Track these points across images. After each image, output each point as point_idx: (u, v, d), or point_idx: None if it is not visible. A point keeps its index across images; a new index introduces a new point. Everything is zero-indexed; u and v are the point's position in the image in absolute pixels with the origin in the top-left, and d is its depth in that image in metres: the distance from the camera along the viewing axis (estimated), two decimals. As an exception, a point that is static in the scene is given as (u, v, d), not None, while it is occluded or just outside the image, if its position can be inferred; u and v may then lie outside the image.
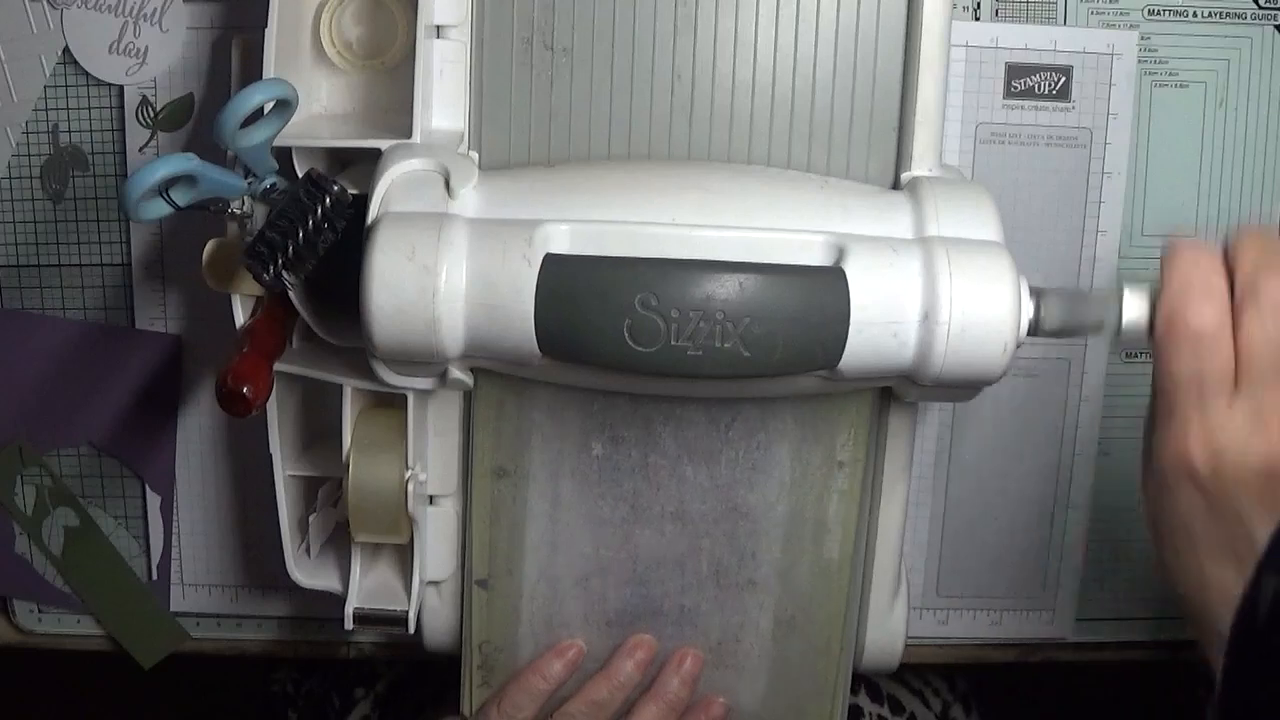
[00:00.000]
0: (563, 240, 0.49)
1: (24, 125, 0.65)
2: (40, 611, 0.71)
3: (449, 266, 0.47)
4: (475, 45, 0.54)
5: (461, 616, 0.60)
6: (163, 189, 0.49)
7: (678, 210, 0.50)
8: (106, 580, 0.69)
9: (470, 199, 0.51)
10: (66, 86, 0.64)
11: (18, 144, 0.65)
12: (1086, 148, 0.64)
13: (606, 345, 0.47)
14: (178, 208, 0.50)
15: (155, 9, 0.62)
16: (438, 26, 0.53)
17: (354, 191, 0.51)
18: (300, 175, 0.52)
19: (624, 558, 0.58)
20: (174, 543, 0.69)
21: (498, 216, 0.50)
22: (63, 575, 0.70)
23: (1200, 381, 0.44)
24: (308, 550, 0.60)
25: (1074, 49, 0.62)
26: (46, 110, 0.64)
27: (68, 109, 0.64)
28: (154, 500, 0.68)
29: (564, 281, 0.47)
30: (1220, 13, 0.63)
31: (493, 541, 0.58)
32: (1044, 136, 0.63)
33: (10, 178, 0.65)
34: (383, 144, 0.52)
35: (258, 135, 0.50)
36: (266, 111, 0.50)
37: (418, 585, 0.58)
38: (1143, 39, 0.63)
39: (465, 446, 0.58)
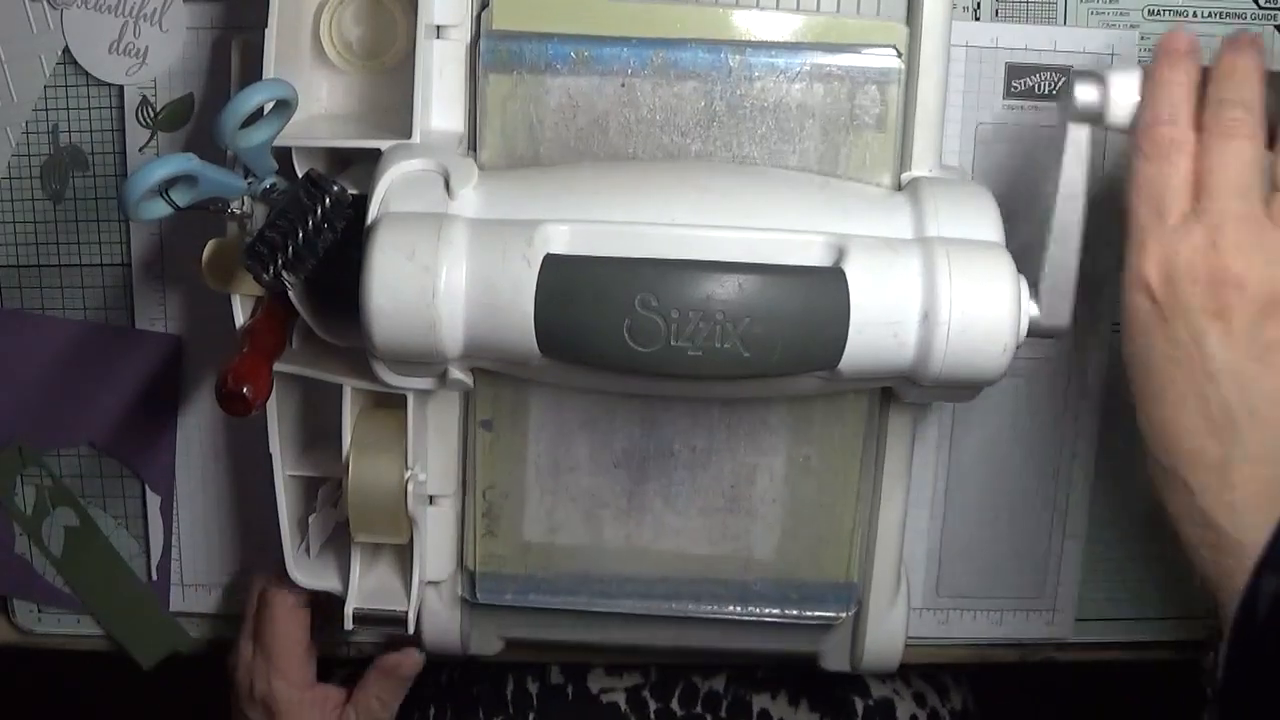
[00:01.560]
0: (562, 240, 0.49)
1: (24, 125, 0.65)
2: (40, 611, 0.71)
3: (449, 267, 0.47)
4: (475, 45, 0.54)
5: (464, 464, 0.59)
6: (163, 189, 0.49)
7: (677, 210, 0.50)
8: (106, 580, 0.69)
9: (470, 199, 0.51)
10: (66, 86, 0.64)
11: (18, 144, 0.65)
12: (1086, 148, 0.64)
13: (606, 345, 0.47)
14: (178, 208, 0.50)
15: (155, 9, 0.62)
16: (438, 26, 0.53)
17: (354, 191, 0.51)
18: (300, 175, 0.52)
19: (633, 395, 0.57)
20: (174, 543, 0.69)
21: (498, 216, 0.50)
22: (63, 575, 0.70)
23: (1161, 193, 0.48)
24: (307, 550, 0.60)
25: (1074, 49, 0.62)
26: (46, 110, 0.64)
27: (68, 109, 0.64)
28: (154, 500, 0.68)
29: (564, 282, 0.47)
30: (1220, 13, 0.63)
31: (496, 380, 0.57)
32: (1044, 136, 0.63)
33: (10, 178, 0.65)
34: (383, 144, 0.52)
35: (258, 135, 0.50)
36: (266, 112, 0.50)
37: (417, 585, 0.58)
38: (1143, 39, 0.63)
39: (464, 446, 0.58)
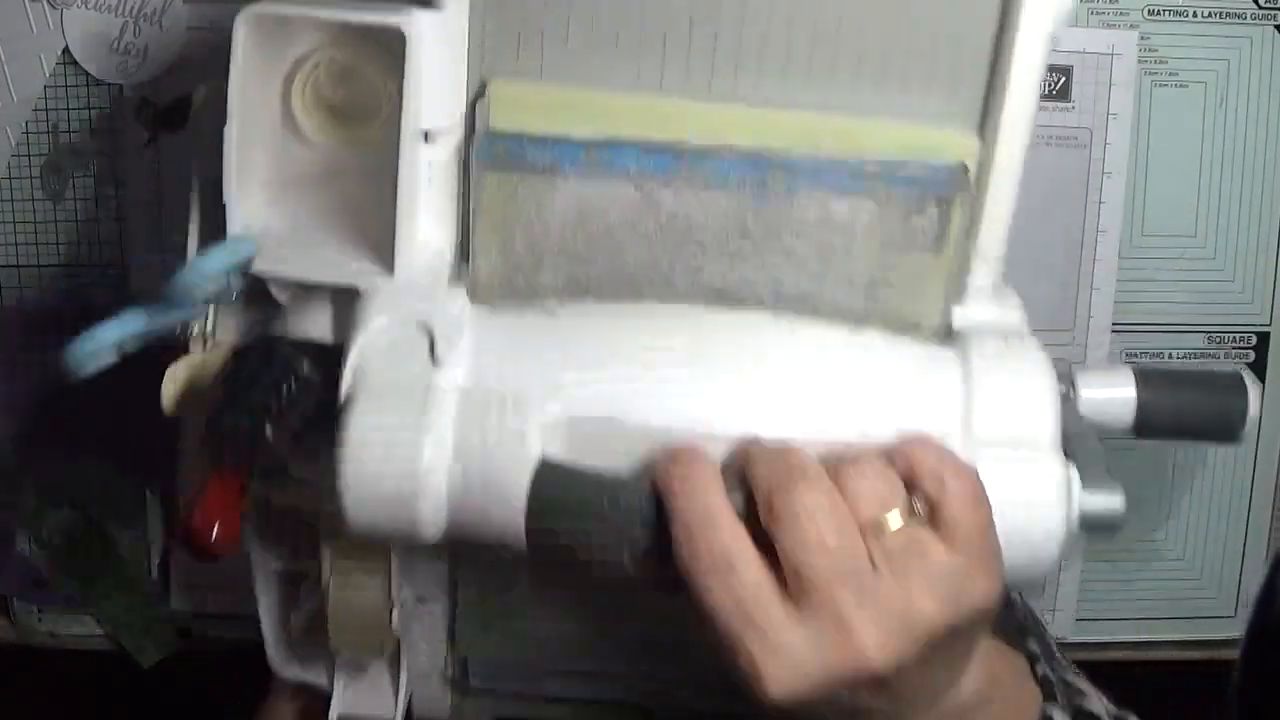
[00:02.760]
0: (559, 438, 0.43)
1: (24, 125, 0.65)
2: (40, 611, 0.71)
3: (431, 451, 0.42)
4: (468, 138, 0.46)
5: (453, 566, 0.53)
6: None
7: (692, 406, 0.43)
8: (106, 580, 0.70)
9: (458, 364, 0.44)
10: (66, 86, 0.64)
11: (18, 144, 0.65)
12: (1086, 148, 0.64)
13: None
14: (130, 356, 0.45)
15: (155, 9, 0.62)
16: (425, 131, 0.45)
17: (329, 341, 0.45)
18: (261, 344, 0.46)
19: None
20: (174, 543, 0.69)
21: (490, 384, 0.44)
22: (63, 575, 0.70)
23: (742, 611, 0.39)
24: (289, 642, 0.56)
25: (1074, 49, 0.62)
26: (46, 110, 0.64)
27: (68, 109, 0.64)
28: (154, 500, 0.68)
29: (558, 490, 0.42)
30: (1220, 13, 0.63)
31: None
32: (1044, 136, 0.63)
33: (10, 178, 0.65)
34: (359, 282, 0.45)
35: (216, 280, 0.45)
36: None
37: (404, 692, 0.55)
38: (1143, 39, 0.63)
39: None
